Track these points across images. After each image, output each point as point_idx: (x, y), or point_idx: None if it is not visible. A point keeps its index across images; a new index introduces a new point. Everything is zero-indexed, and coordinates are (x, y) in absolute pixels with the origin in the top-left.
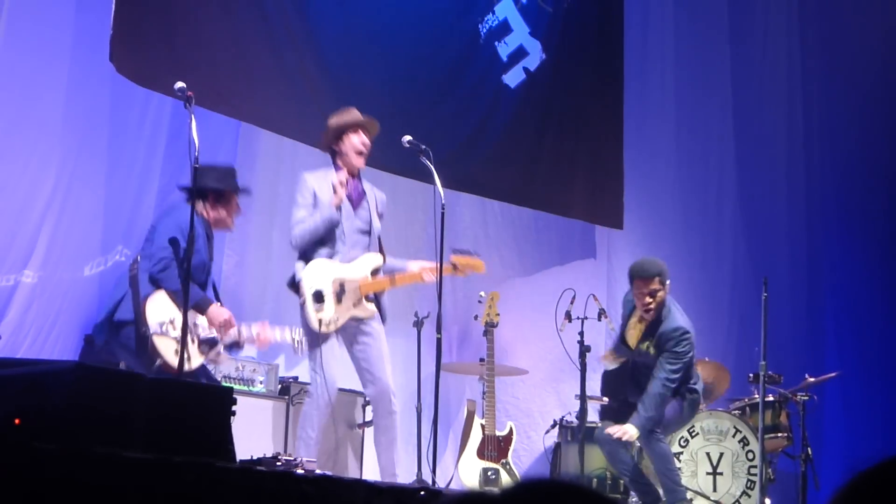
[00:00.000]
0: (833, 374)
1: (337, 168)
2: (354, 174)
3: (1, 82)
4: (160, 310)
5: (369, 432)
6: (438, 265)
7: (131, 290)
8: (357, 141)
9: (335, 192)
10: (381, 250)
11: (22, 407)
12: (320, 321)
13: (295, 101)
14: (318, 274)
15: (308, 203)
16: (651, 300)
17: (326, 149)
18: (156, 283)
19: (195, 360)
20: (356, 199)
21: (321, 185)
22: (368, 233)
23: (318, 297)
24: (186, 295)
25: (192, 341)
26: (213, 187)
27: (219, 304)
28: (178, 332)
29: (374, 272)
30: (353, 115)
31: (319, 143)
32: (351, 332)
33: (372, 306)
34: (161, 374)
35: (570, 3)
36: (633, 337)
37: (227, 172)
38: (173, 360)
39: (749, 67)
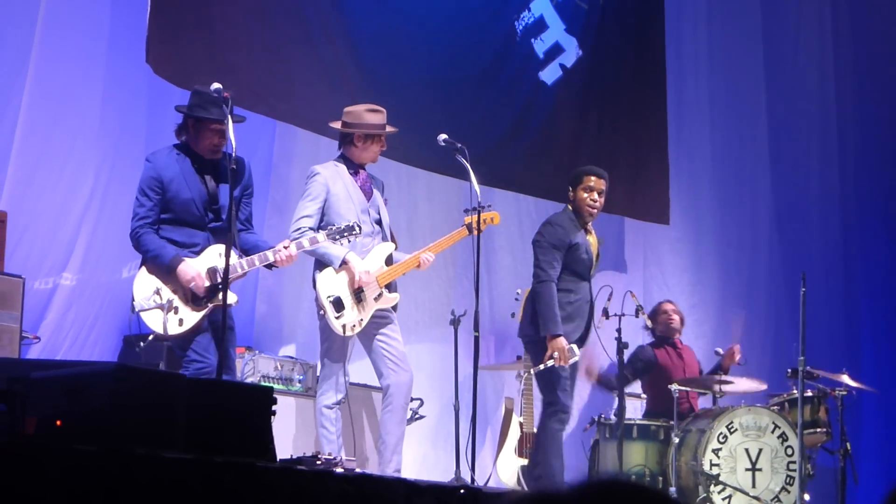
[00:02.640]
0: (869, 388)
1: (345, 159)
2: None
3: (39, 86)
4: (143, 285)
5: (412, 429)
6: (476, 262)
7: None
8: (374, 150)
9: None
10: (392, 238)
11: (63, 409)
12: (344, 327)
13: (332, 100)
14: (333, 281)
15: (319, 197)
16: (599, 201)
17: (342, 136)
18: (136, 247)
19: (188, 321)
20: (367, 191)
21: (334, 178)
22: (380, 222)
23: (338, 305)
24: (230, 233)
25: (185, 300)
26: (193, 115)
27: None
28: (163, 300)
29: (388, 261)
30: (382, 119)
31: (333, 124)
32: (371, 325)
33: (395, 294)
34: (154, 344)
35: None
36: None
37: (215, 100)
38: (160, 329)
39: (782, 61)
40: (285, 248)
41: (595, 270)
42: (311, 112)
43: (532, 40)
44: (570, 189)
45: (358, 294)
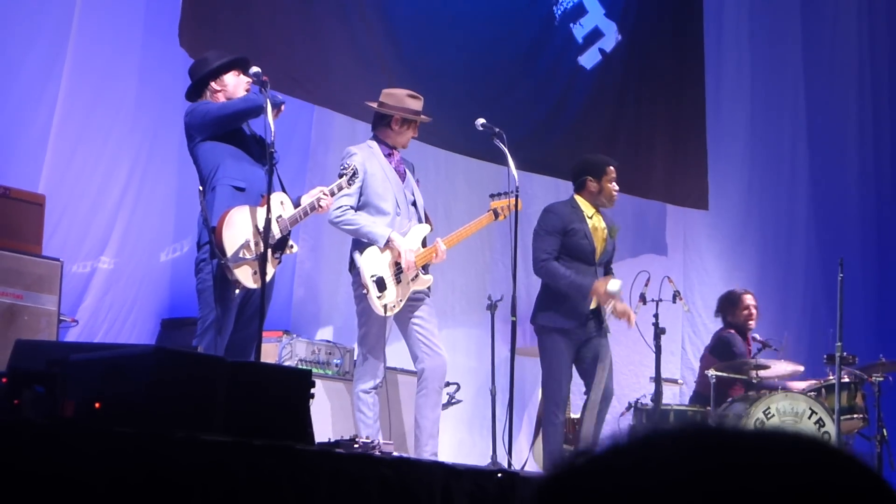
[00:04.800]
0: None
1: (378, 140)
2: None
3: (77, 70)
4: (233, 237)
5: (449, 413)
6: (513, 246)
7: (204, 228)
8: (408, 134)
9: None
10: (427, 219)
11: (102, 391)
12: (385, 307)
13: (369, 84)
14: (376, 260)
15: (357, 181)
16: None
17: (377, 117)
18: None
19: (270, 272)
20: (401, 173)
21: (370, 158)
22: (415, 203)
23: (381, 284)
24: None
25: (269, 255)
26: (209, 70)
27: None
28: (252, 254)
29: (424, 243)
30: (420, 105)
31: (371, 104)
32: (406, 308)
33: (429, 276)
34: (244, 299)
35: None
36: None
37: (217, 54)
38: (252, 283)
39: (820, 45)
40: (325, 194)
41: (603, 257)
42: (348, 96)
43: (571, 25)
44: (591, 179)
45: (398, 274)
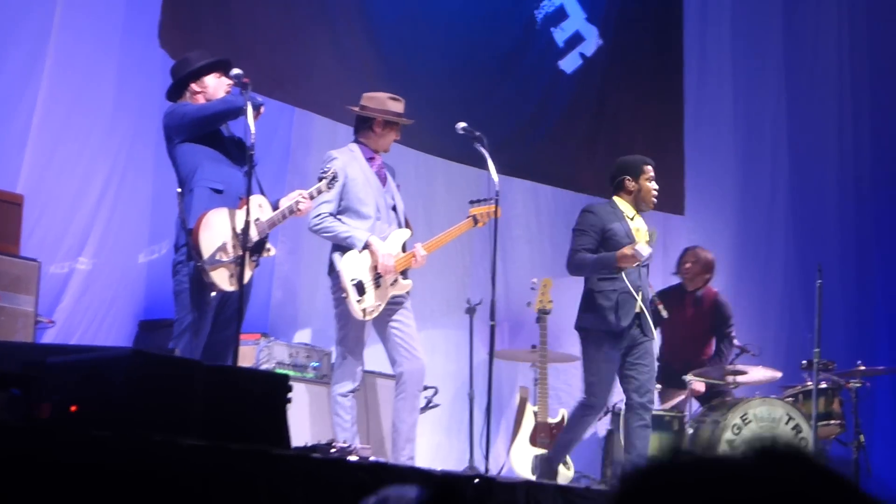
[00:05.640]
0: (883, 369)
1: (360, 144)
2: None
3: (56, 71)
4: (210, 239)
5: (426, 417)
6: (492, 251)
7: (181, 231)
8: (389, 137)
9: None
10: (407, 224)
11: (79, 394)
12: (364, 311)
13: (350, 86)
14: (356, 264)
15: (337, 185)
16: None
17: (359, 121)
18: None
19: (247, 275)
20: (382, 177)
21: (351, 162)
22: (395, 208)
23: (360, 288)
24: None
25: (247, 256)
26: (190, 70)
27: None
28: (229, 257)
29: (404, 248)
30: (401, 107)
31: (353, 108)
32: (385, 312)
33: (409, 281)
34: (221, 301)
35: None
36: None
37: (200, 54)
38: (228, 286)
39: (801, 52)
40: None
41: (646, 259)
42: (328, 99)
43: (552, 29)
44: (629, 179)
45: (377, 279)
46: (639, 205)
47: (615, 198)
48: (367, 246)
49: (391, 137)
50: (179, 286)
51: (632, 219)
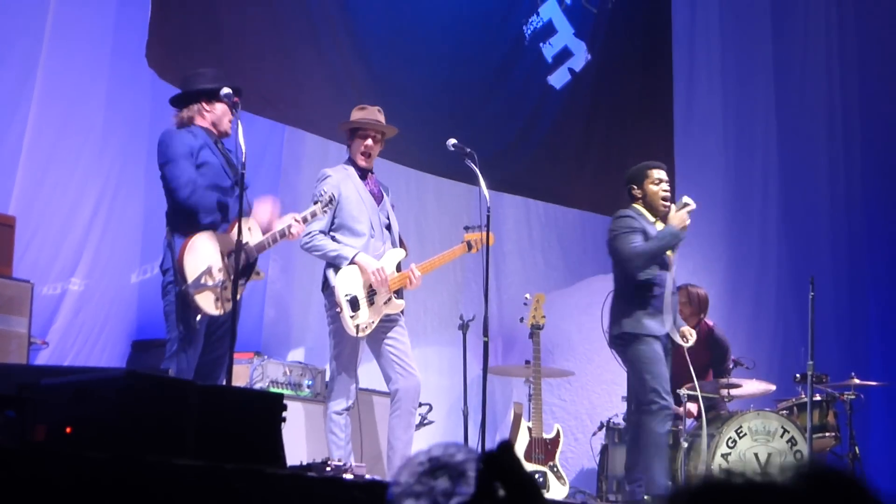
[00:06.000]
0: (878, 384)
1: (351, 162)
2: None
3: (47, 92)
4: (195, 263)
5: (421, 434)
6: (485, 268)
7: (168, 252)
8: (360, 145)
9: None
10: (401, 244)
11: (73, 415)
12: (357, 327)
13: (340, 104)
14: (350, 280)
15: (330, 209)
16: (668, 189)
17: (347, 139)
18: (192, 211)
19: (230, 301)
20: (377, 195)
21: (344, 180)
22: (389, 227)
23: (354, 304)
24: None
25: (230, 278)
26: (205, 87)
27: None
28: (215, 280)
29: (398, 267)
30: (367, 114)
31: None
32: (379, 329)
33: (401, 301)
34: (212, 321)
35: (614, 3)
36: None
37: (216, 74)
38: (214, 310)
39: (791, 66)
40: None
41: (674, 263)
42: (319, 117)
43: (541, 45)
44: (634, 187)
45: (371, 295)
46: (651, 209)
47: (634, 205)
48: (353, 262)
49: (360, 145)
50: (169, 306)
51: (654, 224)
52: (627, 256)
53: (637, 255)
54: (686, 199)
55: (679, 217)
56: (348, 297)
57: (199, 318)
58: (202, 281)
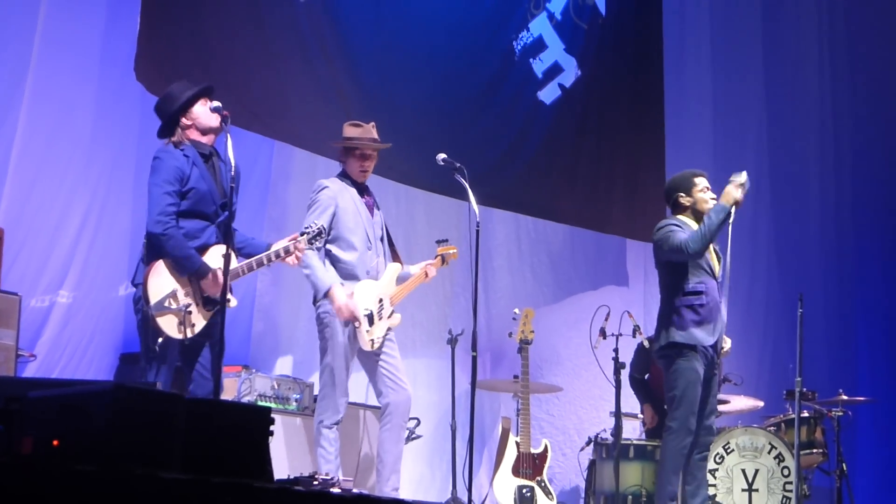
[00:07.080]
0: (865, 399)
1: (346, 177)
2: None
3: (35, 104)
4: (159, 285)
5: (409, 448)
6: (474, 282)
7: (141, 266)
8: (358, 164)
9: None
10: (396, 256)
11: (61, 428)
12: (372, 341)
13: (329, 119)
14: (367, 295)
15: (329, 209)
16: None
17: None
18: (158, 247)
19: (199, 324)
20: (371, 208)
21: (341, 192)
22: (383, 240)
23: (371, 319)
24: (228, 236)
25: (197, 304)
26: (177, 106)
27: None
28: (178, 304)
29: (397, 281)
30: (363, 132)
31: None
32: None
33: (398, 315)
34: (166, 347)
35: (604, 19)
36: None
37: (180, 86)
38: (176, 334)
39: (782, 83)
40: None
41: (721, 274)
42: (308, 131)
43: (531, 60)
44: (682, 195)
45: (380, 311)
46: (698, 218)
47: (677, 216)
48: (327, 294)
49: (355, 163)
50: (139, 322)
51: None
52: (680, 245)
53: (690, 239)
54: (740, 176)
55: (728, 192)
56: (367, 312)
57: (160, 340)
58: (165, 304)
